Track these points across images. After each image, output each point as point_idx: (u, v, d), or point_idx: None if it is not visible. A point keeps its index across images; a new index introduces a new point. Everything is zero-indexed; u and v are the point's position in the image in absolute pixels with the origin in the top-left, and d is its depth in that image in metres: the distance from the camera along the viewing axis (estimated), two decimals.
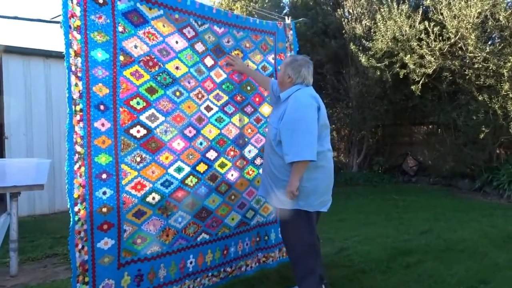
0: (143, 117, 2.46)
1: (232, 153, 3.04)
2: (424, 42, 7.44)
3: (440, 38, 7.40)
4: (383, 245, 3.95)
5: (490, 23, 6.93)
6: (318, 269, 2.57)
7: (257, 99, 3.25)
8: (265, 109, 3.31)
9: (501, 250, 3.71)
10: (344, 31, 9.39)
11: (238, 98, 3.11)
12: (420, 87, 7.86)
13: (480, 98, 7.21)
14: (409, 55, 7.58)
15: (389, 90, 9.11)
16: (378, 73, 8.48)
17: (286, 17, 3.66)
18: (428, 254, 3.65)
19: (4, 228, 3.48)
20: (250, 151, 3.18)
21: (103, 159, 2.27)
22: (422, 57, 7.59)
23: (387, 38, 7.94)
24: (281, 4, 11.24)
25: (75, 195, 2.15)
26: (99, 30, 2.28)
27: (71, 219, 2.13)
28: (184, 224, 2.69)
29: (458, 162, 8.27)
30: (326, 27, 9.86)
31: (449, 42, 7.34)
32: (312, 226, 2.58)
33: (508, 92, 6.83)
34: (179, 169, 2.66)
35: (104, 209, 2.26)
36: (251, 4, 10.06)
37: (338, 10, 9.79)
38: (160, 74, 2.57)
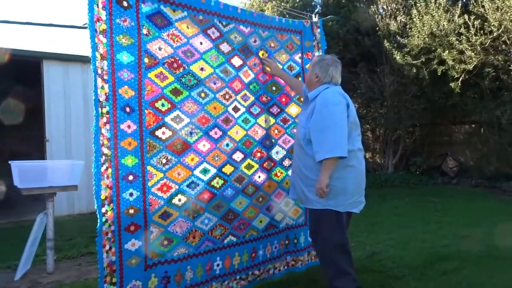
0: (168, 119, 2.47)
1: (258, 154, 3.00)
2: (464, 37, 7.11)
3: (481, 32, 7.05)
4: (419, 250, 3.77)
5: None
6: (351, 270, 2.50)
7: (283, 100, 3.19)
8: (292, 109, 3.24)
9: None
10: (378, 28, 9.14)
11: (264, 98, 3.07)
12: (460, 84, 7.51)
13: None
14: (447, 51, 7.28)
15: (427, 88, 8.78)
16: (414, 71, 8.18)
17: (313, 15, 3.58)
18: (467, 260, 3.44)
19: (41, 227, 3.62)
20: (277, 152, 3.13)
21: (129, 160, 2.29)
22: (461, 52, 7.25)
23: (423, 34, 7.66)
24: (313, 3, 11.09)
25: (102, 197, 2.18)
26: (124, 33, 2.31)
27: (99, 220, 2.16)
28: (210, 226, 2.68)
29: (502, 162, 7.84)
30: (359, 24, 9.63)
31: (491, 36, 6.98)
32: (343, 227, 2.51)
33: None
34: (205, 171, 2.65)
35: (131, 211, 2.28)
36: (282, 4, 9.99)
37: (372, 6, 9.54)
38: (185, 75, 2.57)
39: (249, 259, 2.93)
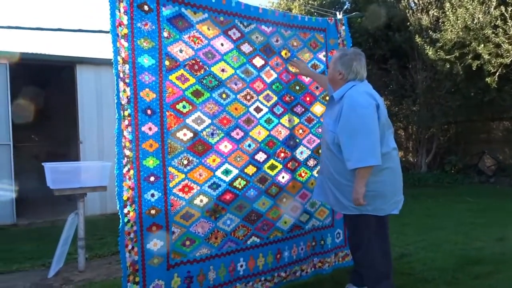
0: (189, 120, 2.49)
1: (282, 154, 2.97)
2: (501, 29, 6.78)
3: None
4: (450, 253, 3.63)
5: None
6: (391, 275, 2.45)
7: (307, 99, 3.15)
8: (317, 109, 3.19)
9: None
10: (409, 23, 8.88)
11: (287, 98, 3.04)
12: (496, 79, 7.17)
13: None
14: (483, 45, 6.96)
15: (461, 83, 8.44)
16: (448, 66, 7.89)
17: (337, 13, 3.52)
18: (502, 264, 3.27)
19: (73, 227, 3.74)
20: (302, 153, 3.09)
21: (150, 162, 2.33)
22: (498, 46, 6.92)
23: (457, 28, 7.37)
24: (341, 0, 10.91)
25: (125, 197, 2.23)
26: (145, 37, 2.34)
27: (121, 221, 2.21)
28: (233, 227, 2.68)
29: None
30: (389, 20, 9.39)
31: None
32: (384, 231, 2.43)
33: None
34: (226, 172, 2.65)
35: (153, 211, 2.32)
36: (310, 2, 9.89)
37: (402, 1, 9.28)
38: (206, 77, 2.58)
39: (274, 260, 2.91)
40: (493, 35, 6.91)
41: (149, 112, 2.34)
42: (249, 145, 2.79)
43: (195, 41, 2.55)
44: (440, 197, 7.09)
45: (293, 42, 3.10)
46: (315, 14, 9.39)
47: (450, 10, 7.52)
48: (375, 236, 2.41)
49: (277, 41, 3.00)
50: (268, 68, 2.94)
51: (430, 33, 8.09)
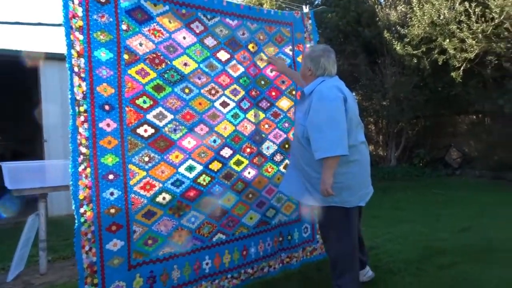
0: (150, 116, 2.42)
1: (248, 150, 2.94)
2: (465, 25, 6.94)
3: (483, 19, 6.87)
4: (416, 244, 3.69)
5: None
6: (356, 268, 2.50)
7: (273, 93, 3.12)
8: (284, 103, 3.17)
9: None
10: (378, 18, 8.99)
11: (253, 93, 3.00)
12: (461, 73, 7.35)
13: None
14: (448, 40, 7.12)
15: (428, 78, 8.62)
16: (415, 61, 8.02)
17: (304, 6, 3.50)
18: (466, 254, 3.35)
19: (33, 228, 3.59)
20: (268, 148, 3.07)
21: (109, 159, 2.24)
22: (463, 41, 7.09)
23: (424, 23, 7.50)
24: None
25: (81, 197, 2.14)
26: (102, 30, 2.26)
27: (76, 221, 2.12)
28: (197, 224, 2.63)
29: (506, 152, 7.69)
30: (359, 16, 9.49)
31: (493, 23, 6.80)
32: (351, 223, 2.45)
33: None
34: (190, 168, 2.60)
35: (112, 210, 2.24)
36: None
37: None
38: (167, 71, 2.51)
39: (240, 257, 2.88)
40: (458, 30, 7.07)
41: (107, 107, 2.25)
42: (214, 141, 2.74)
43: (156, 34, 2.48)
44: (409, 190, 7.24)
45: (260, 36, 3.07)
46: (287, 9, 9.38)
47: (417, 6, 7.65)
48: (342, 228, 2.44)
49: (243, 34, 2.95)
50: (234, 62, 2.90)
51: (398, 28, 8.21)
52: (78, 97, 2.15)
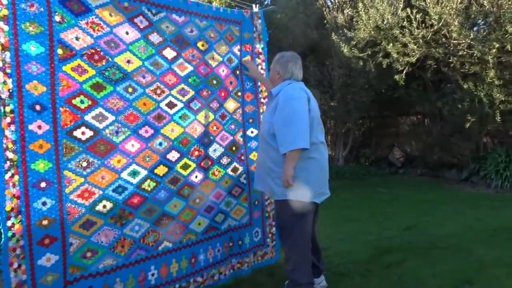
0: (88, 117, 2.22)
1: (196, 153, 2.81)
2: (407, 30, 7.23)
3: (423, 25, 7.20)
4: (365, 244, 3.76)
5: (474, 8, 6.74)
6: (309, 260, 2.63)
7: (222, 94, 3.01)
8: (230, 105, 3.06)
9: (487, 246, 3.55)
10: (325, 21, 9.16)
11: (205, 93, 2.87)
12: (404, 76, 7.65)
13: (465, 86, 7.02)
14: (391, 44, 7.37)
15: (373, 80, 8.92)
16: (361, 64, 8.26)
17: (253, 5, 3.42)
18: (411, 252, 3.47)
19: None
20: (215, 150, 2.94)
21: (41, 165, 2.02)
22: (405, 45, 7.37)
23: (369, 27, 7.71)
24: None
25: (8, 208, 1.91)
26: (32, 20, 2.03)
27: (3, 236, 1.89)
28: (142, 233, 2.46)
29: (445, 152, 8.13)
30: (307, 17, 9.61)
31: (432, 30, 7.13)
32: (306, 217, 2.58)
33: (494, 80, 6.65)
34: (134, 173, 2.42)
35: (45, 222, 2.02)
36: None
37: None
38: (108, 68, 2.32)
39: (189, 265, 2.74)
40: (401, 35, 7.34)
41: (38, 108, 2.03)
42: (160, 144, 2.58)
43: (95, 28, 2.28)
44: (356, 189, 7.44)
45: (210, 34, 2.94)
46: (236, 7, 9.27)
47: (362, 10, 7.86)
48: (297, 222, 2.57)
49: (191, 31, 2.81)
50: (181, 60, 2.75)
51: (345, 31, 8.39)
52: (3, 96, 1.92)
